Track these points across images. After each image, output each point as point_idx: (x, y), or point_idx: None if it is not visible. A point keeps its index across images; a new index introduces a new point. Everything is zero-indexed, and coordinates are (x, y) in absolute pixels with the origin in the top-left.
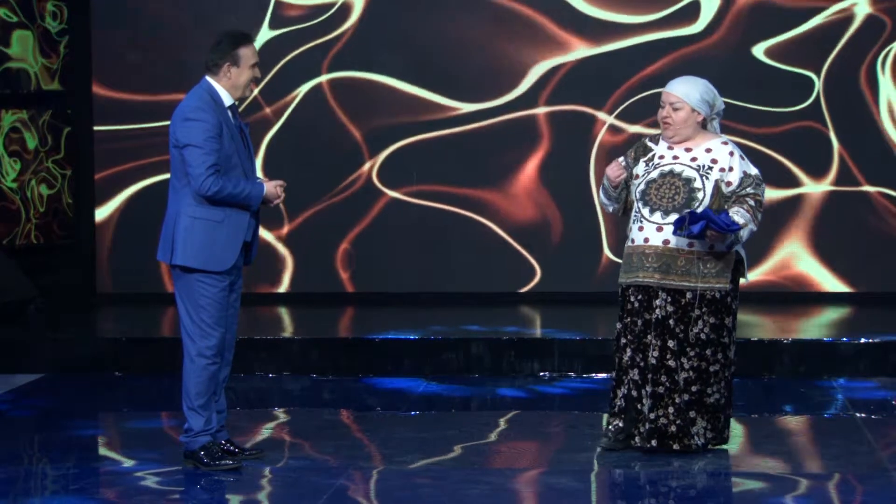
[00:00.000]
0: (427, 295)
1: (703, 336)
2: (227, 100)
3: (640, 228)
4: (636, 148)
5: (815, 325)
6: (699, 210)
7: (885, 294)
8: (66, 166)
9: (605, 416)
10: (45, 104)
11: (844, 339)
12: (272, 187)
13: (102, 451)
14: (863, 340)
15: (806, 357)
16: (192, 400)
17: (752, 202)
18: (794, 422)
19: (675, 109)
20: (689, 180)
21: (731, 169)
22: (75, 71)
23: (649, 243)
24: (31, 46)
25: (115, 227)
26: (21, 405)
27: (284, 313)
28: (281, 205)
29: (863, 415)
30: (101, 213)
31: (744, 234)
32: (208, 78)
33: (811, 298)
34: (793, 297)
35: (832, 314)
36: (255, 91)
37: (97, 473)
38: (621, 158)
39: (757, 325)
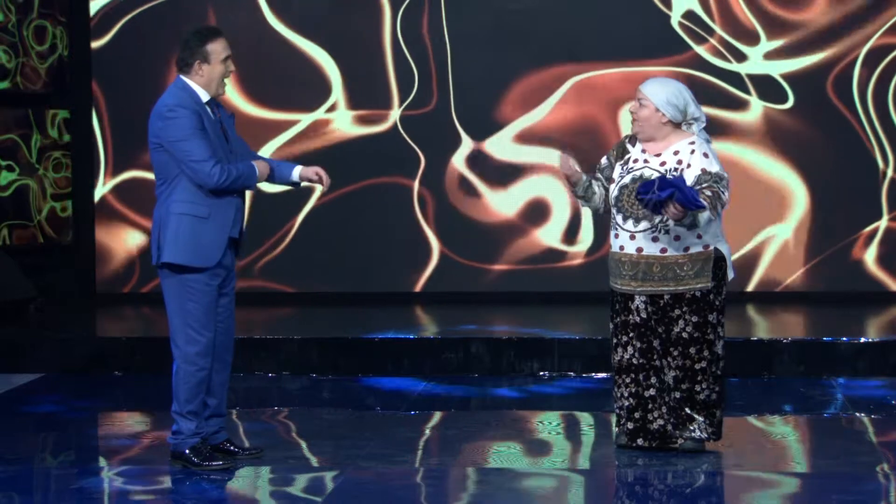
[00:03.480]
0: (427, 295)
1: (684, 335)
2: (204, 96)
3: (616, 235)
4: (617, 147)
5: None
6: (671, 177)
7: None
8: (66, 166)
9: (615, 415)
10: (45, 103)
11: (844, 338)
12: (263, 166)
13: (102, 450)
14: (863, 340)
15: (806, 357)
16: (182, 406)
17: (708, 192)
18: (794, 422)
19: (642, 106)
20: None
21: (689, 166)
22: (76, 70)
23: (624, 251)
24: (32, 46)
25: (115, 227)
26: (21, 405)
27: (284, 313)
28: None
29: (863, 414)
30: (101, 212)
31: (702, 218)
32: (182, 77)
33: None
34: None
35: None
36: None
37: (97, 473)
38: (604, 159)
39: None
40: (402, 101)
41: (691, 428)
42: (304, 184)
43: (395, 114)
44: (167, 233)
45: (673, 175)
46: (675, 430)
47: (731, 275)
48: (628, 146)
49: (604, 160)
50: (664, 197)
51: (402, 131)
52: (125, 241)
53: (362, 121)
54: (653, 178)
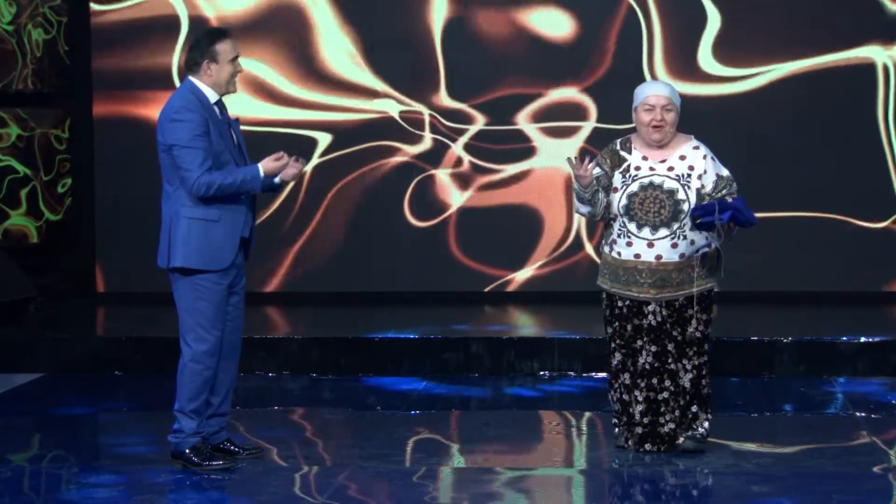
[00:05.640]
0: (427, 294)
1: (698, 334)
2: (213, 97)
3: (629, 244)
4: (609, 155)
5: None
6: (730, 199)
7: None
8: (66, 166)
9: (616, 419)
10: (46, 103)
11: (844, 338)
12: (269, 161)
13: (102, 450)
14: (863, 340)
15: (806, 356)
16: (185, 404)
17: (730, 200)
18: (794, 421)
19: (668, 111)
20: (671, 192)
21: (705, 172)
22: (76, 69)
23: (641, 259)
24: (32, 46)
25: (116, 227)
26: (21, 405)
27: (283, 313)
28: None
29: (863, 414)
30: (102, 212)
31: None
32: (190, 77)
33: None
34: None
35: None
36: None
37: (97, 473)
38: (591, 163)
39: None
40: (406, 99)
41: (695, 426)
42: (284, 181)
43: (394, 110)
44: (178, 236)
45: (732, 197)
46: (677, 430)
47: (721, 276)
48: (623, 154)
49: (597, 170)
50: (726, 221)
51: (404, 125)
52: (126, 241)
53: (365, 118)
54: (707, 202)
